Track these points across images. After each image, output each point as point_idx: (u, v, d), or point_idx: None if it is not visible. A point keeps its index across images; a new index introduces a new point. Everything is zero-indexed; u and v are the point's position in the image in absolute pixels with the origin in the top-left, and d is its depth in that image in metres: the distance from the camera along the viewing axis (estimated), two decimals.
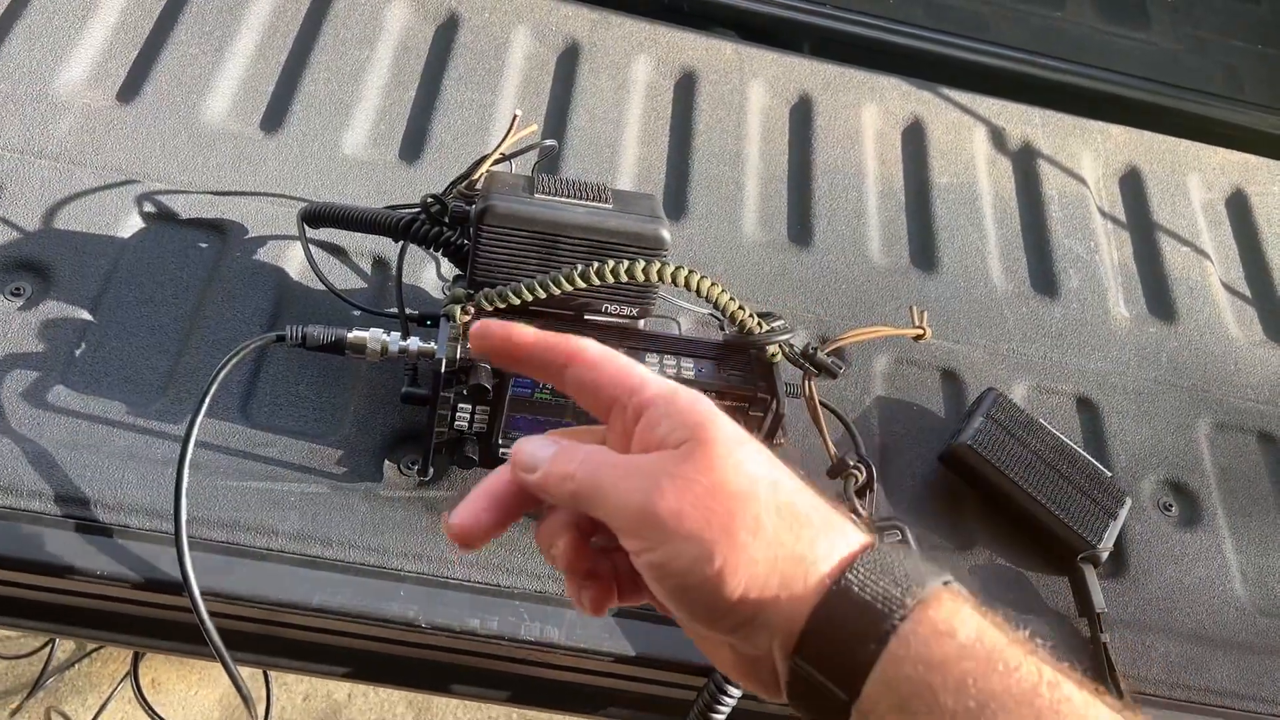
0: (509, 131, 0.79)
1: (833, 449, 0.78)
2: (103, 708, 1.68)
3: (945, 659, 0.40)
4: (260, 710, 1.71)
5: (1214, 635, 0.88)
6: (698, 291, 0.75)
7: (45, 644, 1.69)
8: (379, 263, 0.92)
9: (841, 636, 0.42)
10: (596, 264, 0.73)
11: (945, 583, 0.43)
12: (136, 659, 1.63)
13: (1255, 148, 1.28)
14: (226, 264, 0.89)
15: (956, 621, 0.41)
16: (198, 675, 1.78)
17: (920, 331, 0.82)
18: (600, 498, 0.45)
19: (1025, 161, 1.19)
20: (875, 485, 0.77)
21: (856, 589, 0.42)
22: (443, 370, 0.73)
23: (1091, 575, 0.86)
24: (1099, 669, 0.82)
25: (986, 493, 0.89)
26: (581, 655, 0.77)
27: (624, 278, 0.73)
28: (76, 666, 1.73)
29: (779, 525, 0.43)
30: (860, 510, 0.75)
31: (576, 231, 0.74)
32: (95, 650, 1.74)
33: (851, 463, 0.77)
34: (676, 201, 1.05)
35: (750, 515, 0.43)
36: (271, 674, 1.78)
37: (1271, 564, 0.94)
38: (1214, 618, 0.89)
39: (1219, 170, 1.24)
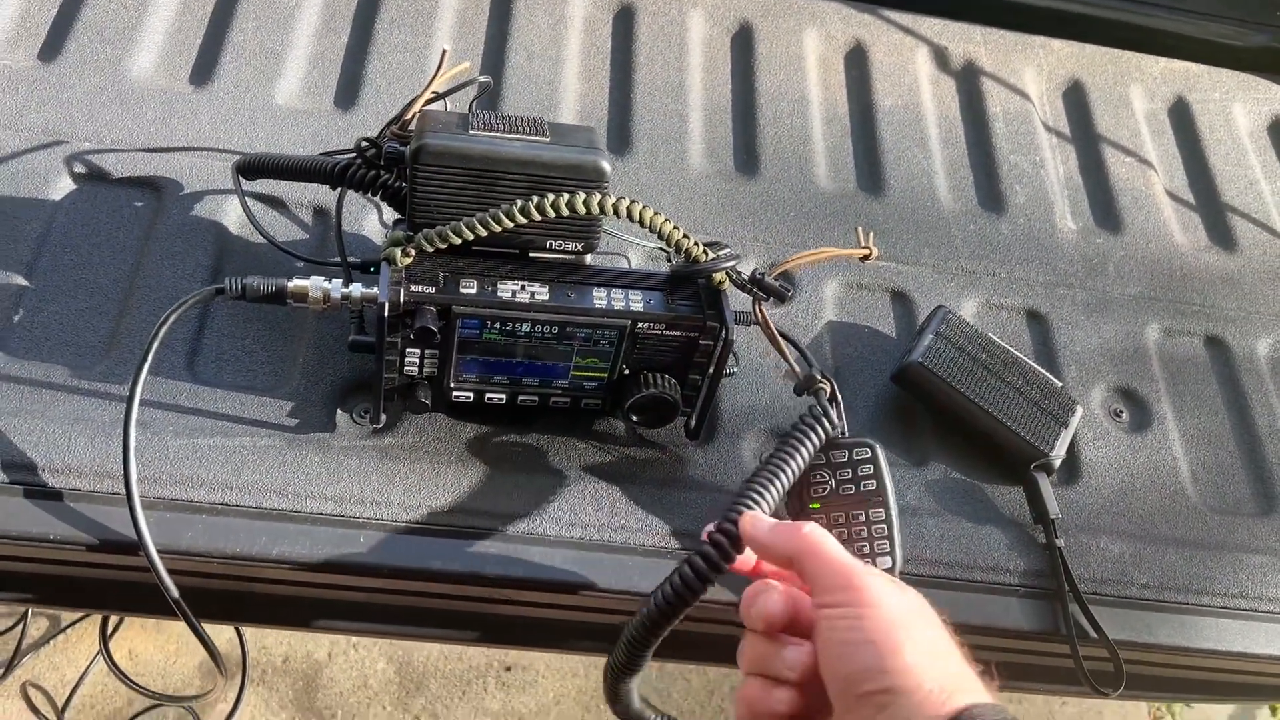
0: (439, 69, 0.78)
1: (796, 366, 0.78)
2: (80, 680, 1.68)
3: None
4: (236, 674, 1.71)
5: (1166, 535, 0.89)
6: (640, 221, 0.74)
7: (17, 621, 1.68)
8: (319, 212, 0.91)
9: None
10: (536, 198, 0.72)
11: None
12: (105, 630, 1.62)
13: (1196, 55, 1.28)
14: (163, 222, 0.88)
15: None
16: (175, 645, 1.78)
17: (866, 251, 0.82)
18: (811, 558, 0.58)
19: (969, 80, 1.19)
20: (839, 400, 0.78)
21: (990, 715, 0.51)
22: (386, 315, 0.72)
23: (1045, 483, 0.87)
24: (1055, 573, 0.84)
25: (939, 409, 0.90)
26: (547, 590, 0.78)
27: (564, 211, 0.72)
28: (52, 643, 1.73)
29: (939, 636, 0.56)
30: (837, 420, 0.74)
31: (513, 166, 0.73)
32: (70, 626, 1.74)
33: (819, 375, 0.77)
34: (620, 136, 1.04)
35: (931, 616, 0.57)
36: (250, 638, 1.79)
37: (1221, 463, 0.96)
38: (1165, 518, 0.91)
39: (1161, 80, 1.25)
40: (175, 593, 0.69)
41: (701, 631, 0.78)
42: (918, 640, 0.54)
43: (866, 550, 0.77)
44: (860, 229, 0.83)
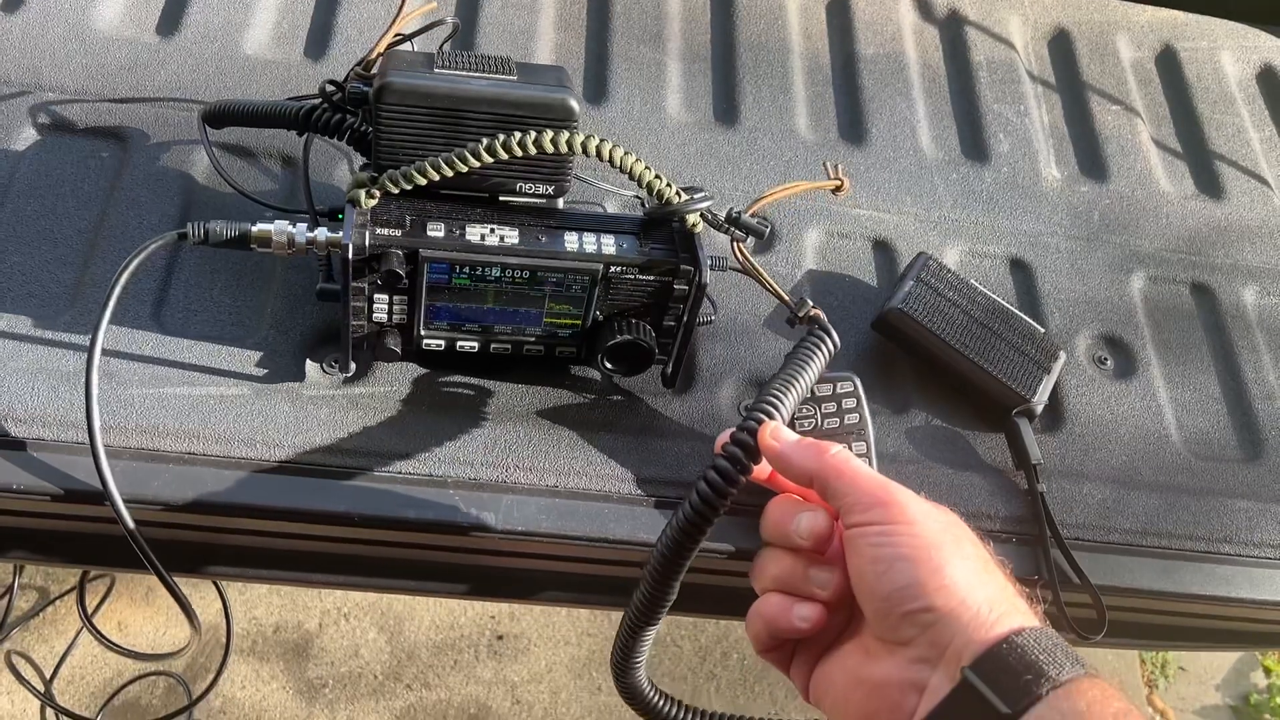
0: (401, 6, 0.76)
1: (787, 295, 0.76)
2: (68, 652, 1.68)
3: (1115, 713, 0.48)
4: (222, 639, 1.71)
5: (1150, 480, 0.88)
6: (610, 161, 0.73)
7: (3, 594, 1.68)
8: (287, 161, 0.89)
9: (1019, 668, 0.49)
10: (503, 137, 0.70)
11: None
12: (83, 596, 1.61)
13: (1184, 4, 1.26)
14: (129, 172, 0.86)
15: (1115, 695, 0.49)
16: (164, 616, 1.78)
17: (838, 183, 0.80)
18: (841, 478, 0.57)
19: (952, 29, 1.17)
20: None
21: (1044, 639, 0.50)
22: (351, 257, 0.70)
23: (1026, 428, 0.86)
24: (1036, 518, 0.83)
25: (920, 355, 0.89)
26: (523, 538, 0.77)
27: (532, 150, 0.71)
28: (40, 615, 1.72)
29: (981, 555, 0.55)
30: (838, 340, 0.72)
31: (480, 105, 0.72)
32: (58, 598, 1.74)
33: (810, 301, 0.75)
34: (597, 85, 1.03)
35: (970, 534, 0.55)
36: (239, 609, 1.79)
37: (1205, 409, 0.95)
38: (1149, 463, 0.90)
39: (1148, 28, 1.23)
40: (131, 524, 0.67)
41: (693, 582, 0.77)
42: (960, 558, 0.53)
43: None
44: (827, 163, 0.81)
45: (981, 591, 0.52)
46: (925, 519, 0.54)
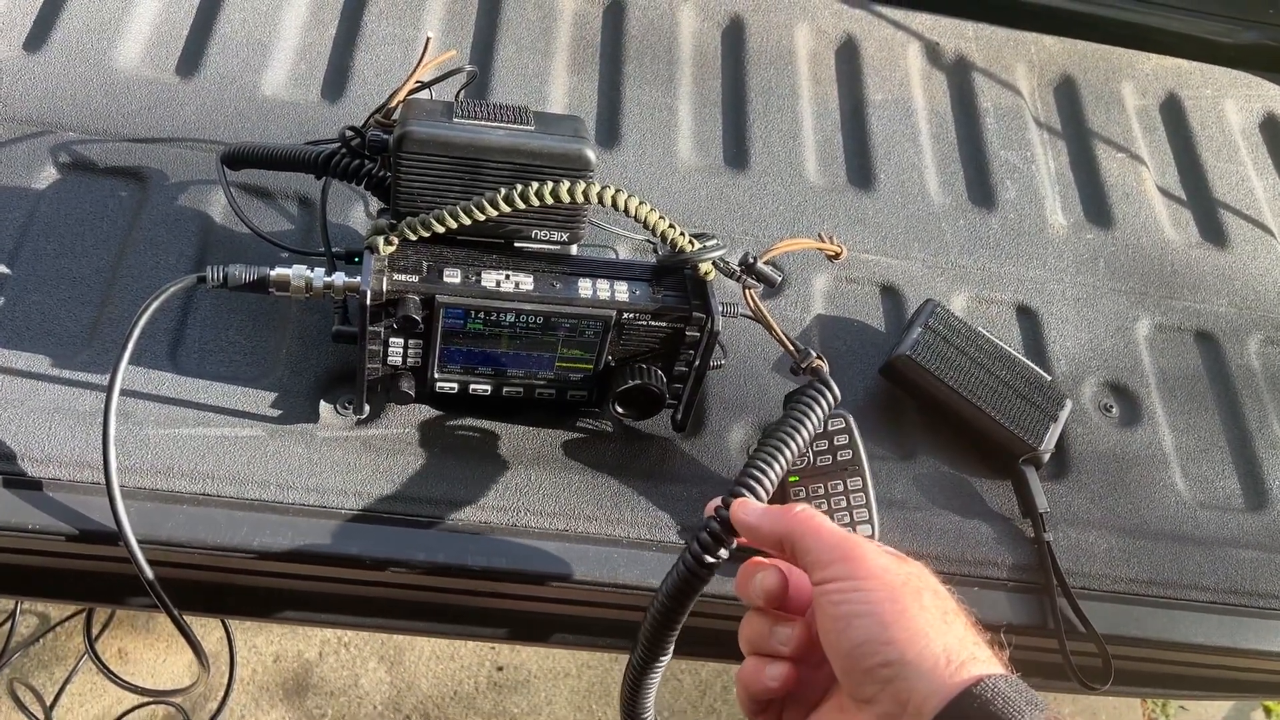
0: (422, 57, 0.77)
1: (791, 345, 0.77)
2: (68, 679, 1.67)
3: None
4: (224, 669, 1.71)
5: (1155, 529, 0.89)
6: (625, 211, 0.74)
7: (5, 620, 1.67)
8: (304, 202, 0.90)
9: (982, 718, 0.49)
10: (520, 186, 0.72)
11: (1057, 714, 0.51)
12: (89, 628, 1.61)
13: (1188, 52, 1.28)
14: (148, 212, 0.87)
15: None
16: (165, 644, 1.77)
17: (836, 251, 0.83)
18: (806, 536, 0.57)
19: (960, 75, 1.18)
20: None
21: (1003, 687, 0.50)
22: (369, 303, 0.71)
23: (1033, 476, 0.86)
24: (1043, 567, 0.83)
25: (928, 402, 0.90)
26: (532, 582, 0.77)
27: (549, 200, 0.72)
28: (40, 641, 1.72)
29: (941, 605, 0.54)
30: (837, 394, 0.73)
31: (498, 154, 0.73)
32: (59, 624, 1.73)
33: (814, 352, 0.76)
34: (610, 129, 1.04)
35: (932, 582, 0.56)
36: (240, 637, 1.78)
37: (1210, 458, 0.95)
38: (1155, 512, 0.90)
39: (1152, 76, 1.24)
40: (150, 574, 0.68)
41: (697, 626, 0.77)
42: (918, 609, 0.53)
43: (847, 520, 0.78)
44: (821, 234, 0.83)
45: (939, 642, 0.52)
46: (885, 573, 0.54)
